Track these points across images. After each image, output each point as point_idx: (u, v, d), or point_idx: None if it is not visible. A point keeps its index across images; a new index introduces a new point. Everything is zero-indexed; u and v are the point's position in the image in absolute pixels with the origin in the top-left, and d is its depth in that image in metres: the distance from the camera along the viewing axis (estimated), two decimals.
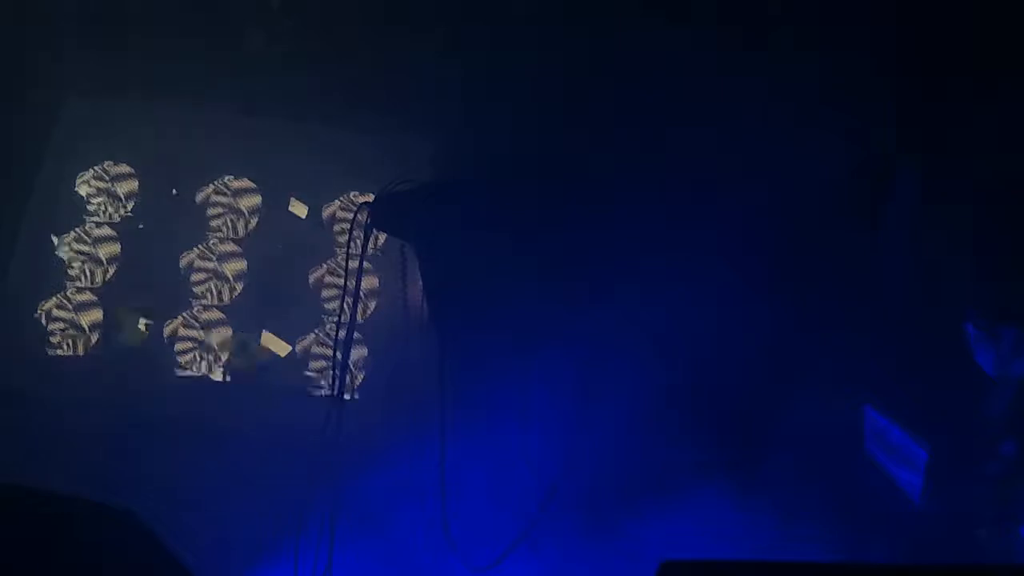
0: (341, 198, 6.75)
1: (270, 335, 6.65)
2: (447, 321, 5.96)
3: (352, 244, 6.01)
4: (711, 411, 5.67)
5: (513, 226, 5.78)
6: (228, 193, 6.80)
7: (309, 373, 6.58)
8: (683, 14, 5.81)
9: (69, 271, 6.78)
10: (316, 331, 6.61)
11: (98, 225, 6.83)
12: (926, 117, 5.53)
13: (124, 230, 6.82)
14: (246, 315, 6.68)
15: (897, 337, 5.54)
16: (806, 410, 5.50)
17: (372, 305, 6.55)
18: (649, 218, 5.67)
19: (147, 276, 6.76)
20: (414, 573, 5.90)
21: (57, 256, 6.80)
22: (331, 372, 6.13)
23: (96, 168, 6.89)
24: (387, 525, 5.87)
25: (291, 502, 5.79)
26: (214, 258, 6.73)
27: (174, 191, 6.82)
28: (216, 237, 6.76)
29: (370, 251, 6.24)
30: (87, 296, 6.75)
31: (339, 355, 5.95)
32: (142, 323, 6.70)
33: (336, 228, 6.71)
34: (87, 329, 6.70)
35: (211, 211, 6.80)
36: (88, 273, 6.78)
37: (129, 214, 6.84)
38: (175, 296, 6.71)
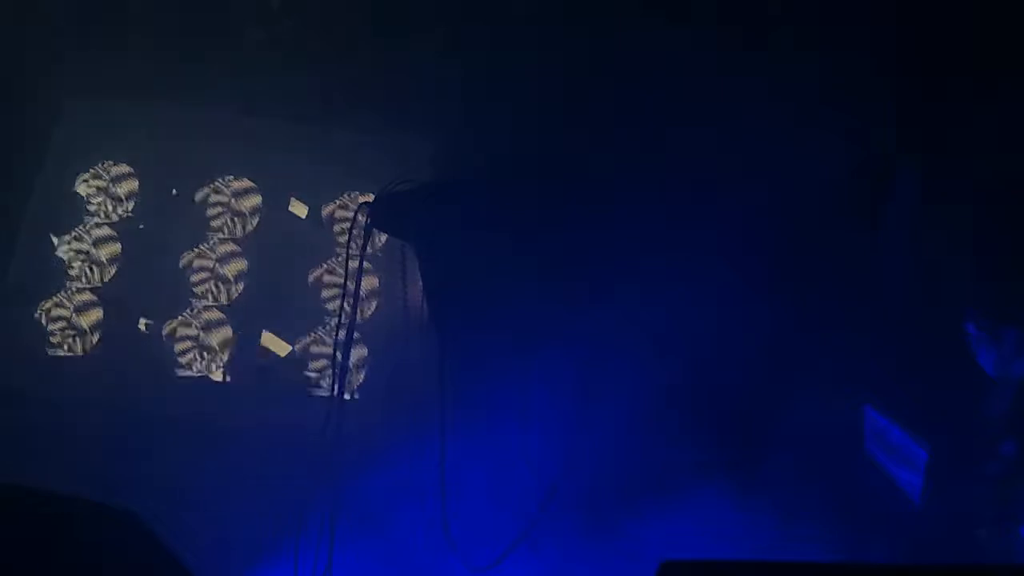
0: (341, 198, 6.75)
1: (270, 335, 6.65)
2: (447, 321, 5.96)
3: (352, 244, 6.01)
4: (711, 411, 5.67)
5: (513, 226, 5.78)
6: (228, 193, 6.80)
7: (309, 373, 6.58)
8: (683, 14, 5.81)
9: (69, 271, 6.78)
10: (316, 331, 6.61)
11: (98, 225, 6.83)
12: (926, 117, 5.53)
13: (124, 230, 6.82)
14: (246, 315, 6.68)
15: (897, 337, 5.54)
16: (806, 410, 5.50)
17: (372, 305, 6.55)
18: (649, 218, 5.67)
19: (147, 276, 6.76)
20: (414, 573, 5.90)
21: (57, 256, 6.80)
22: (331, 372, 6.14)
23: (96, 168, 6.89)
24: (387, 525, 5.87)
25: (291, 502, 5.79)
26: (214, 258, 6.73)
27: (174, 191, 6.82)
28: (216, 237, 6.76)
29: (370, 251, 6.24)
30: (87, 296, 6.75)
31: (339, 355, 5.95)
32: (142, 323, 6.70)
33: (336, 228, 6.71)
34: (87, 329, 6.70)
35: (211, 211, 6.80)
36: (88, 273, 6.78)
37: (129, 214, 6.84)
38: (175, 296, 6.71)
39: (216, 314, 6.68)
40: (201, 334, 6.65)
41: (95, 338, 6.70)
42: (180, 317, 6.68)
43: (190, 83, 6.70)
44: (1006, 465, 5.36)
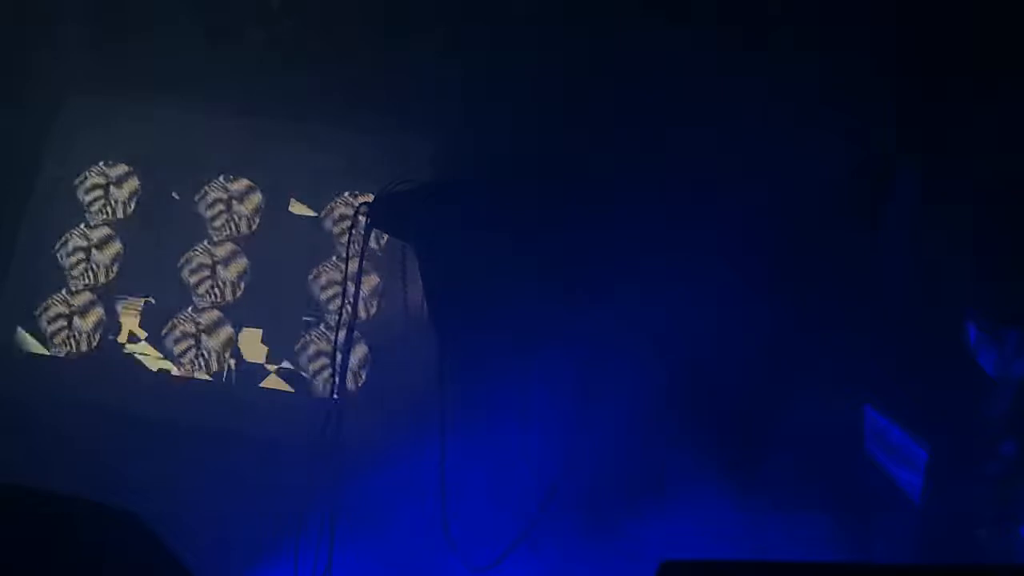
0: (341, 198, 6.75)
1: (270, 335, 6.64)
2: (447, 321, 5.96)
3: (352, 244, 6.01)
4: (711, 411, 5.67)
5: (513, 226, 5.78)
6: (228, 193, 6.80)
7: (309, 373, 6.57)
8: (683, 14, 5.81)
9: (69, 271, 6.78)
10: (316, 331, 6.61)
11: (98, 225, 6.83)
12: (926, 117, 5.53)
13: (124, 230, 6.82)
14: (246, 315, 6.68)
15: (897, 337, 5.54)
16: (806, 410, 5.50)
17: (372, 305, 6.55)
18: (649, 218, 5.67)
19: (147, 276, 6.76)
20: (414, 573, 5.90)
21: (57, 256, 6.80)
22: (331, 372, 6.14)
23: (96, 168, 6.89)
24: (387, 525, 5.87)
25: (291, 502, 5.79)
26: (214, 258, 6.73)
27: (174, 194, 6.82)
28: (216, 237, 6.76)
29: (370, 251, 6.24)
30: (87, 296, 6.75)
31: (339, 355, 5.95)
32: (142, 322, 6.70)
33: (336, 228, 6.71)
34: (87, 329, 6.70)
35: (211, 211, 6.80)
36: (88, 273, 6.78)
37: (129, 214, 6.84)
38: (175, 296, 6.71)
39: (216, 314, 6.68)
40: (201, 334, 6.65)
41: (95, 338, 6.70)
42: (180, 317, 6.68)
43: (190, 83, 6.70)
44: (1006, 465, 5.37)
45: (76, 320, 6.71)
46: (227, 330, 6.65)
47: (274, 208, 6.80)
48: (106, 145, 6.91)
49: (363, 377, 6.48)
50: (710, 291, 5.50)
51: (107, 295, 6.75)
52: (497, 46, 6.17)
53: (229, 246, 6.75)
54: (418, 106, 6.42)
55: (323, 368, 6.52)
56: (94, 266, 6.78)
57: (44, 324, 6.72)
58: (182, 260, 6.74)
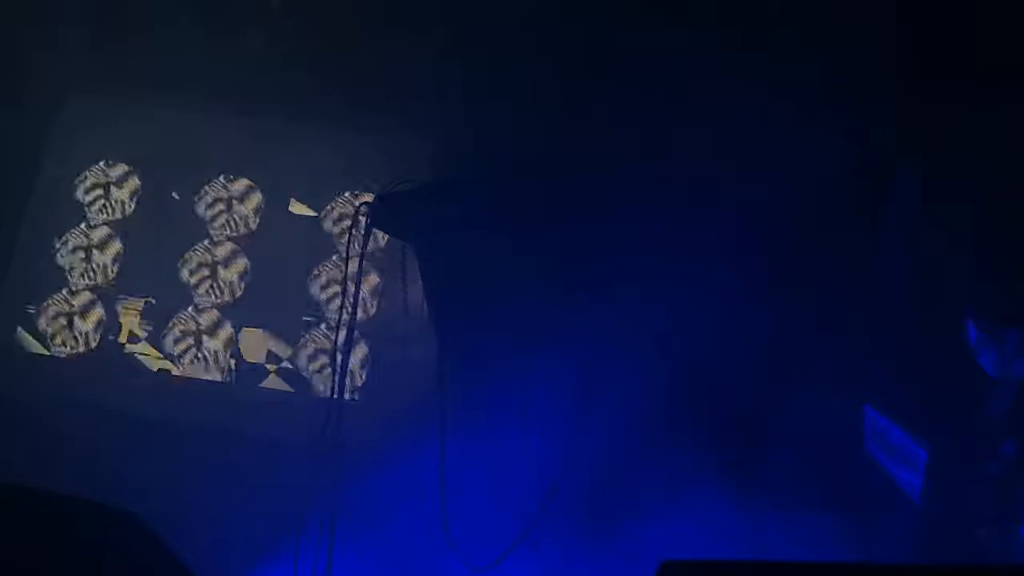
0: (341, 198, 6.75)
1: (269, 335, 6.64)
2: (447, 321, 5.96)
3: (352, 244, 6.01)
4: (711, 411, 5.67)
5: (513, 226, 5.78)
6: (228, 193, 6.80)
7: (309, 373, 6.57)
8: (683, 14, 5.81)
9: (69, 271, 6.78)
10: (316, 331, 6.61)
11: (98, 225, 6.83)
12: (926, 117, 5.53)
13: (124, 230, 6.82)
14: (246, 315, 6.68)
15: (897, 337, 5.54)
16: (806, 410, 5.50)
17: (372, 305, 6.54)
18: (649, 218, 5.67)
19: (147, 276, 6.76)
20: (414, 573, 5.90)
21: (57, 256, 6.80)
22: (331, 372, 6.13)
23: (96, 168, 6.89)
24: (387, 525, 5.87)
25: (291, 502, 5.79)
26: (214, 258, 6.73)
27: (174, 194, 6.82)
28: (216, 237, 6.76)
29: (370, 251, 6.23)
30: (87, 296, 6.75)
31: (339, 355, 5.95)
32: (142, 322, 6.70)
33: (336, 228, 6.71)
34: (87, 329, 6.70)
35: (211, 211, 6.80)
36: (88, 273, 6.78)
37: (129, 214, 6.84)
38: (175, 296, 6.71)
39: (216, 314, 6.68)
40: (201, 334, 6.65)
41: (95, 338, 6.69)
42: (180, 317, 6.68)
43: (190, 83, 6.70)
44: (1006, 465, 5.37)
45: (76, 320, 6.71)
46: (227, 330, 6.65)
47: (274, 208, 6.79)
48: (106, 145, 6.91)
49: (363, 377, 6.48)
50: (710, 291, 5.49)
51: (107, 295, 6.75)
52: (497, 46, 6.17)
53: (229, 246, 6.75)
54: (418, 106, 6.42)
55: (323, 368, 6.52)
56: (94, 266, 6.78)
57: (44, 324, 6.72)
58: (182, 260, 6.74)
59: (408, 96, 6.45)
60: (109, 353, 6.68)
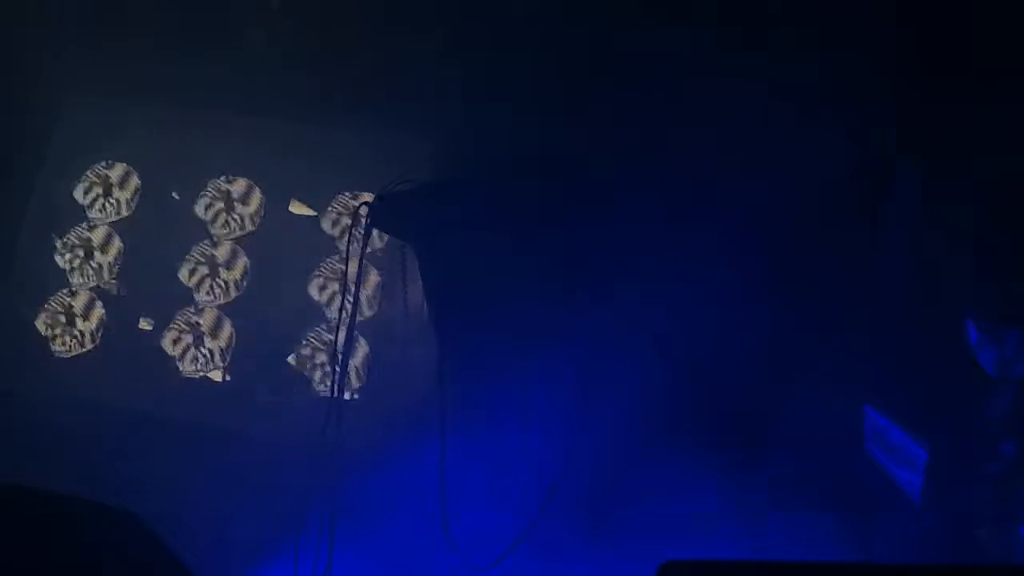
0: (341, 198, 6.75)
1: (270, 335, 6.65)
2: (447, 321, 5.96)
3: (352, 244, 6.01)
4: (711, 411, 5.66)
5: (513, 226, 5.78)
6: (228, 193, 6.80)
7: (308, 373, 6.57)
8: (683, 14, 5.81)
9: (69, 271, 6.78)
10: (316, 331, 6.60)
11: (98, 225, 6.83)
12: (926, 117, 5.52)
13: (124, 230, 6.82)
14: (246, 315, 6.67)
15: (897, 337, 5.54)
16: (806, 410, 5.50)
17: (372, 305, 6.54)
18: (649, 218, 5.67)
19: (147, 276, 6.76)
20: (414, 573, 5.90)
21: (57, 256, 6.80)
22: (331, 372, 6.13)
23: (96, 168, 6.89)
24: (387, 525, 5.87)
25: (291, 502, 5.79)
26: (214, 258, 6.73)
27: (174, 195, 6.82)
28: (216, 237, 6.76)
29: (370, 251, 6.23)
30: (87, 296, 6.75)
31: (339, 355, 5.95)
32: (142, 323, 6.70)
33: (336, 228, 6.71)
34: (87, 329, 6.70)
35: (211, 211, 6.80)
36: (89, 273, 6.78)
37: (129, 214, 6.84)
38: (175, 296, 6.71)
39: (216, 314, 6.68)
40: (202, 334, 6.65)
41: (96, 338, 6.70)
42: (180, 317, 6.68)
43: (190, 83, 6.70)
44: (1006, 465, 5.37)
45: (76, 320, 6.71)
46: (226, 330, 6.65)
47: (274, 208, 6.79)
48: (106, 145, 6.91)
49: (363, 377, 6.48)
50: (710, 291, 5.49)
51: (107, 295, 6.75)
52: (497, 46, 6.16)
53: (229, 246, 6.75)
54: (418, 106, 6.41)
55: (323, 368, 6.52)
56: (94, 266, 6.78)
57: (44, 324, 6.72)
58: (181, 261, 6.74)
59: (408, 96, 6.44)
60: (109, 352, 6.67)
